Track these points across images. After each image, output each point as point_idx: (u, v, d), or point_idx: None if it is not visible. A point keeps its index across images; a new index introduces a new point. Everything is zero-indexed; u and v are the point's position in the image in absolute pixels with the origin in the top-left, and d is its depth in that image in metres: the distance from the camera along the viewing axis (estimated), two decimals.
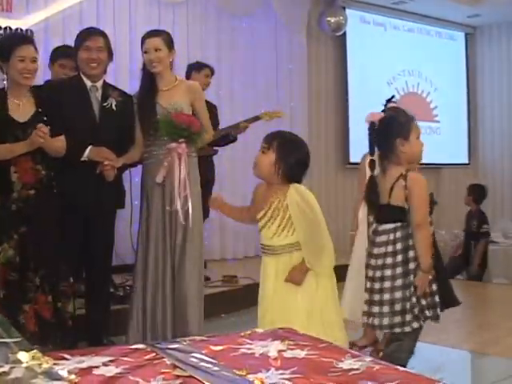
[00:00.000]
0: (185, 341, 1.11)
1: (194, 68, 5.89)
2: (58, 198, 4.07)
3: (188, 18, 7.32)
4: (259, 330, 1.20)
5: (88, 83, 4.22)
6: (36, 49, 3.95)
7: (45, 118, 3.87)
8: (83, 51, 4.17)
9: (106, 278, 4.54)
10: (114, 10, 6.84)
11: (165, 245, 4.24)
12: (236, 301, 5.61)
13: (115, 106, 4.22)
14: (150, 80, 4.32)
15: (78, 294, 4.52)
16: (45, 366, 0.89)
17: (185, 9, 7.31)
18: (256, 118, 5.65)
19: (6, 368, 0.92)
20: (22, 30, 6.13)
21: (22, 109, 3.86)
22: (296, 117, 8.32)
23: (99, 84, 4.25)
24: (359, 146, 9.07)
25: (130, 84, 6.15)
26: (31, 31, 6.19)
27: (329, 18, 8.67)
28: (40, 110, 3.90)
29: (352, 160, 9.06)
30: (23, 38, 4.23)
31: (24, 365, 0.84)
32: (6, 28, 6.04)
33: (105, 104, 4.20)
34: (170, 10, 7.21)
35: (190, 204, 4.14)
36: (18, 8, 6.18)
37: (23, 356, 0.87)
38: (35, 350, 0.89)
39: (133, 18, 6.93)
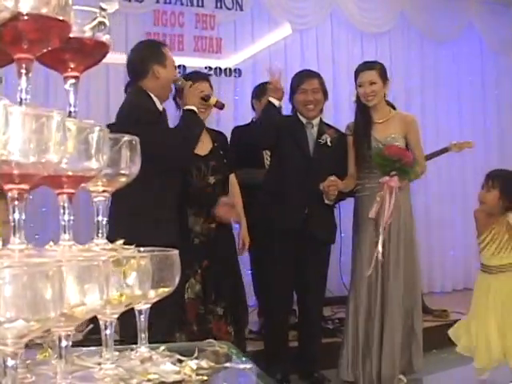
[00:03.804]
0: None
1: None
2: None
3: (391, 47, 7.24)
4: None
5: (304, 120, 4.34)
6: None
7: (221, 152, 4.00)
8: (300, 94, 4.30)
9: (318, 311, 4.56)
10: (317, 44, 6.95)
11: (377, 279, 4.17)
12: (447, 336, 5.40)
13: (330, 141, 4.31)
14: (365, 112, 4.31)
15: (290, 325, 4.58)
16: None
17: (387, 38, 7.25)
18: (444, 150, 5.51)
19: None
20: (230, 69, 6.41)
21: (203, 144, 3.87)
22: (506, 144, 7.92)
23: (315, 122, 4.38)
24: None
25: (334, 116, 6.18)
26: (239, 70, 6.45)
27: None
28: (216, 144, 3.99)
29: None
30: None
31: None
32: (216, 68, 6.34)
33: (320, 140, 4.32)
34: (372, 40, 7.18)
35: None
36: (227, 48, 6.46)
37: None
38: None
39: (335, 50, 6.99)
